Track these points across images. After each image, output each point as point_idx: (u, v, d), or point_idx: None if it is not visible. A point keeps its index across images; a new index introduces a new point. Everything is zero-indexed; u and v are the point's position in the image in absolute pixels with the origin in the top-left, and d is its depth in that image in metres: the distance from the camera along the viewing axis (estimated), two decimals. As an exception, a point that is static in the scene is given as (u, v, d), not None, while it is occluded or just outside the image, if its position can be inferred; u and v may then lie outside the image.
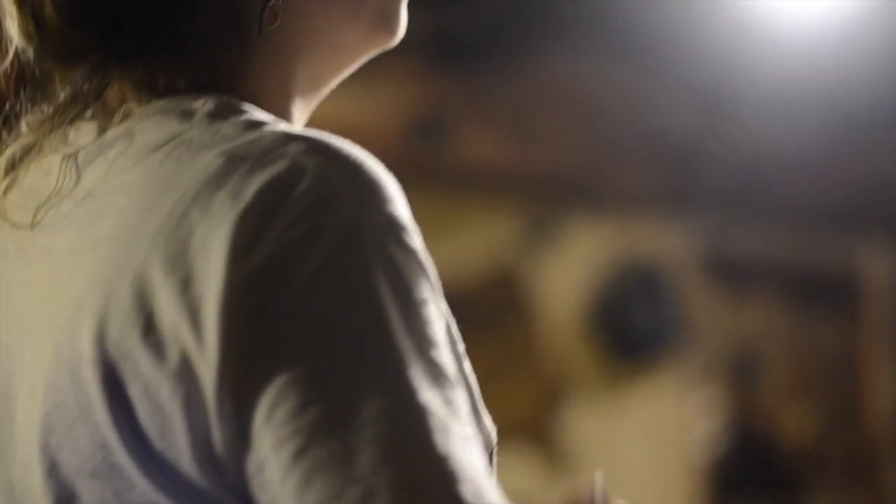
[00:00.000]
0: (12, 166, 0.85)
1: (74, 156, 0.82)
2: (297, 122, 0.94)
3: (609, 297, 4.33)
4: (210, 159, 0.75)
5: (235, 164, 0.74)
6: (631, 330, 4.35)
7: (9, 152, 0.86)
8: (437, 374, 0.72)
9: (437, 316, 0.77)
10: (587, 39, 3.73)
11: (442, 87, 3.82)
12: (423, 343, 0.73)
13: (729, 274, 4.48)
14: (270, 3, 0.87)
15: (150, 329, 0.73)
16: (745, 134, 4.20)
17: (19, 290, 0.83)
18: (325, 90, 0.97)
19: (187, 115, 0.80)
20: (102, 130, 0.83)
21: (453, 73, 3.80)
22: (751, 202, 4.36)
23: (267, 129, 0.77)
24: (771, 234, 4.49)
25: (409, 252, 0.76)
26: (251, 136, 0.76)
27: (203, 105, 0.80)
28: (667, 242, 4.39)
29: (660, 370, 4.35)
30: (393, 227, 0.76)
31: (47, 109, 0.86)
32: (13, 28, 0.86)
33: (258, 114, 0.81)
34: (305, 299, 0.71)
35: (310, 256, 0.72)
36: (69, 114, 0.84)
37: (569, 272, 4.29)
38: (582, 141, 4.04)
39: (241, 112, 0.81)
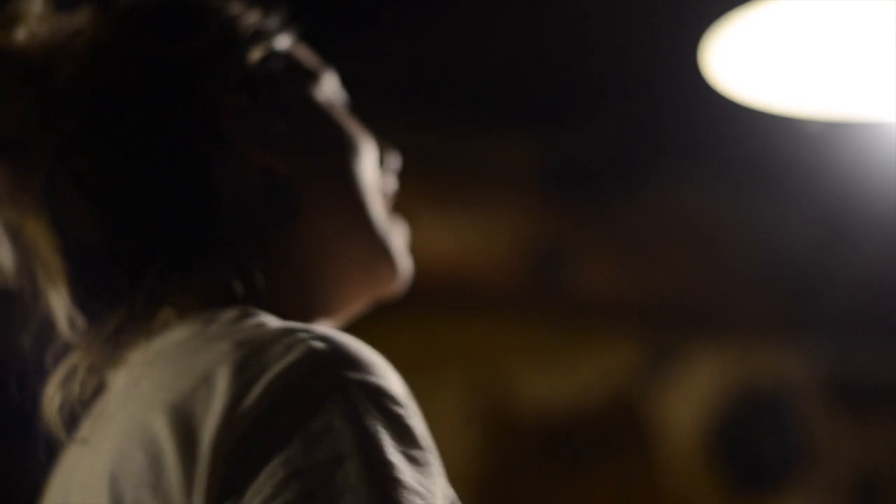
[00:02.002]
0: (67, 381, 0.97)
1: (124, 368, 0.95)
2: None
3: (731, 425, 4.28)
4: (221, 346, 0.86)
5: (240, 348, 0.85)
6: (754, 457, 4.30)
7: (65, 368, 0.97)
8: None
9: (417, 473, 0.81)
10: (702, 167, 3.75)
11: (559, 217, 3.85)
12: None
13: (852, 398, 4.42)
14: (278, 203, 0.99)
15: (158, 484, 0.83)
16: (864, 256, 4.17)
17: (79, 467, 0.96)
18: (343, 312, 1.07)
19: (211, 321, 0.91)
20: (145, 342, 0.94)
21: (569, 203, 3.84)
22: (872, 324, 4.31)
23: (275, 324, 0.88)
24: (894, 356, 4.43)
25: (393, 417, 0.82)
26: (259, 329, 0.87)
27: (225, 314, 0.91)
28: (788, 367, 4.35)
29: (784, 498, 4.28)
30: (378, 395, 0.83)
31: (99, 331, 0.97)
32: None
33: (273, 319, 0.90)
34: (283, 455, 0.79)
35: (295, 415, 0.80)
36: (118, 338, 0.95)
37: (690, 400, 4.26)
38: (700, 267, 4.04)
39: (259, 317, 0.90)
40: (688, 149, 3.59)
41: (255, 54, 1.02)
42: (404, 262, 1.07)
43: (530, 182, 3.76)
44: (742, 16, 2.01)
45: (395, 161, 1.13)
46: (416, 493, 0.79)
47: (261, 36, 1.04)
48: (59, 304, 0.99)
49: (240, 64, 1.01)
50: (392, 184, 1.12)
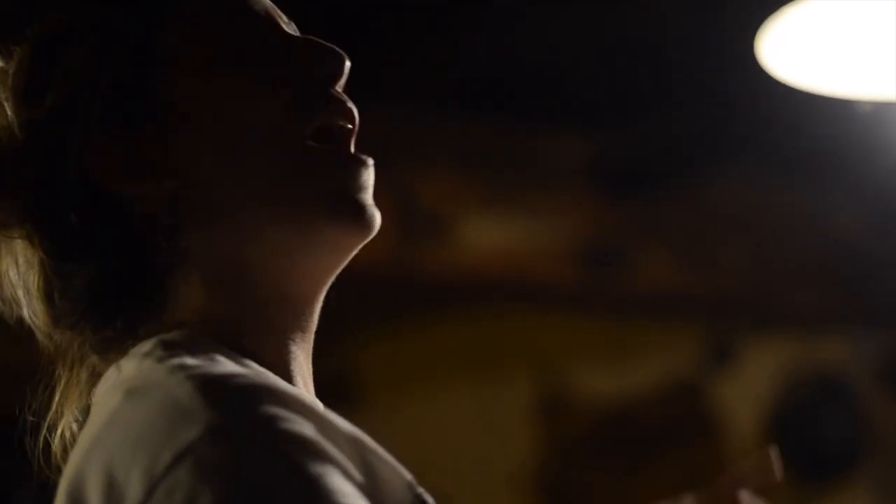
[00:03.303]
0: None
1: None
2: (291, 338, 0.96)
3: (791, 416, 4.29)
4: (116, 398, 0.85)
5: (128, 399, 0.84)
6: (815, 447, 4.30)
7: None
8: None
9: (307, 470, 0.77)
10: (756, 159, 3.76)
11: (615, 213, 3.87)
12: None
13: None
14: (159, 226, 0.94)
15: None
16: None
17: None
18: (306, 303, 0.97)
19: (129, 357, 0.90)
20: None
21: (625, 199, 3.86)
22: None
23: (169, 363, 0.84)
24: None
25: (283, 440, 0.77)
26: (149, 372, 0.85)
27: (141, 348, 0.89)
28: (846, 358, 4.35)
29: (844, 486, 4.28)
30: (258, 426, 0.78)
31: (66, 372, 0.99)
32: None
33: (185, 349, 0.86)
34: None
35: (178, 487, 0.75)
36: (82, 375, 0.98)
37: (750, 392, 4.28)
38: (756, 258, 4.05)
39: (169, 349, 0.87)
40: (742, 141, 3.61)
41: (102, 83, 0.95)
42: (347, 207, 0.95)
43: (586, 179, 3.78)
44: (794, 6, 2.06)
45: (332, 68, 0.97)
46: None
47: (108, 56, 0.95)
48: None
49: (90, 103, 0.95)
50: (328, 110, 0.97)
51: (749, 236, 4.01)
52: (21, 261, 0.99)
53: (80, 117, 0.94)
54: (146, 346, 0.89)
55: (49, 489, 0.92)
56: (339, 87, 0.98)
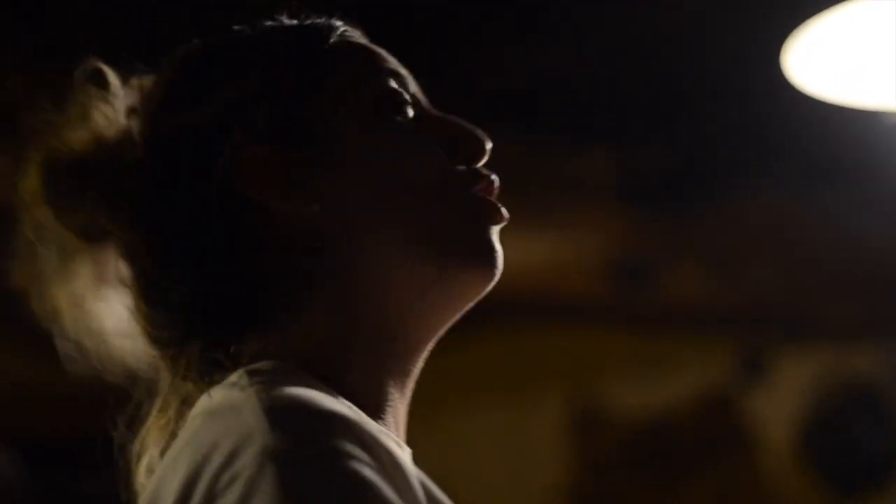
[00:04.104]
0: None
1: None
2: (392, 381, 0.97)
3: (826, 427, 4.28)
4: (197, 422, 0.86)
5: (206, 421, 0.85)
6: (851, 459, 4.28)
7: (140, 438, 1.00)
8: None
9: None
10: (785, 173, 3.76)
11: (645, 227, 3.88)
12: None
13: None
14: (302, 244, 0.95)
15: None
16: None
17: None
18: (417, 348, 0.99)
19: (226, 385, 0.89)
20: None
21: (655, 213, 3.86)
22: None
23: (250, 389, 0.85)
24: None
25: (339, 475, 0.77)
26: (232, 398, 0.85)
27: (235, 376, 0.89)
28: (879, 369, 4.34)
29: (882, 498, 4.26)
30: (317, 457, 0.78)
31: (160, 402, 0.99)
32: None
33: (272, 377, 0.87)
34: None
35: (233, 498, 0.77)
36: (177, 396, 0.98)
37: (782, 406, 4.26)
38: (788, 270, 4.04)
39: (262, 377, 0.87)
40: (770, 152, 3.61)
41: (269, 100, 0.98)
42: (481, 258, 0.98)
43: (616, 194, 3.79)
44: (820, 19, 2.07)
45: (477, 148, 1.04)
46: None
47: (278, 80, 0.99)
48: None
49: (256, 115, 0.97)
50: (475, 174, 1.03)
51: (779, 249, 4.01)
52: (93, 283, 1.00)
53: (242, 124, 0.97)
54: (237, 374, 0.89)
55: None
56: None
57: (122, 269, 1.00)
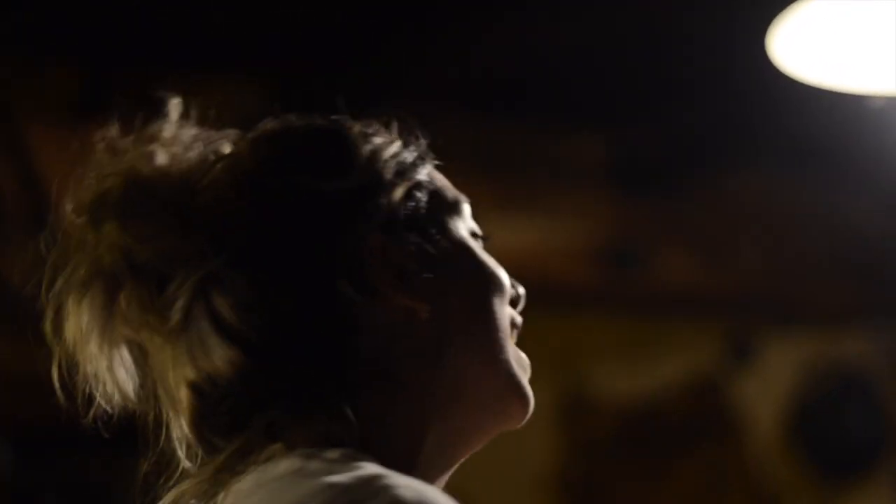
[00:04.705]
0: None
1: (227, 497, 0.94)
2: (436, 476, 1.00)
3: (814, 412, 4.29)
4: (310, 484, 0.86)
5: (331, 489, 0.84)
6: (838, 444, 4.30)
7: (175, 494, 0.97)
8: None
9: None
10: (773, 156, 3.76)
11: (633, 211, 3.88)
12: None
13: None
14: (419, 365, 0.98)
15: None
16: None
17: None
18: (455, 459, 1.03)
19: (312, 457, 0.89)
20: (251, 474, 0.93)
21: (643, 197, 3.86)
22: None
23: (367, 470, 0.86)
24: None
25: None
26: (349, 472, 0.86)
27: (329, 453, 0.89)
28: (867, 353, 4.35)
29: (867, 483, 4.28)
30: None
31: (213, 462, 0.96)
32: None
33: (374, 466, 0.88)
34: None
35: None
36: (233, 468, 0.94)
37: (771, 391, 4.27)
38: (776, 255, 4.05)
39: (359, 461, 0.88)
40: (758, 137, 3.62)
41: (399, 192, 1.00)
42: (531, 399, 1.05)
43: (604, 178, 3.79)
44: (805, 2, 2.07)
45: (519, 292, 1.09)
46: None
47: (404, 171, 1.02)
48: (179, 433, 0.98)
49: (385, 204, 0.99)
50: (518, 317, 1.09)
51: (768, 233, 4.02)
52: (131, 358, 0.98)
53: (375, 210, 0.98)
54: (330, 453, 0.89)
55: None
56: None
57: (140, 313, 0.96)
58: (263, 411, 0.93)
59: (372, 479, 0.84)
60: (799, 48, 2.15)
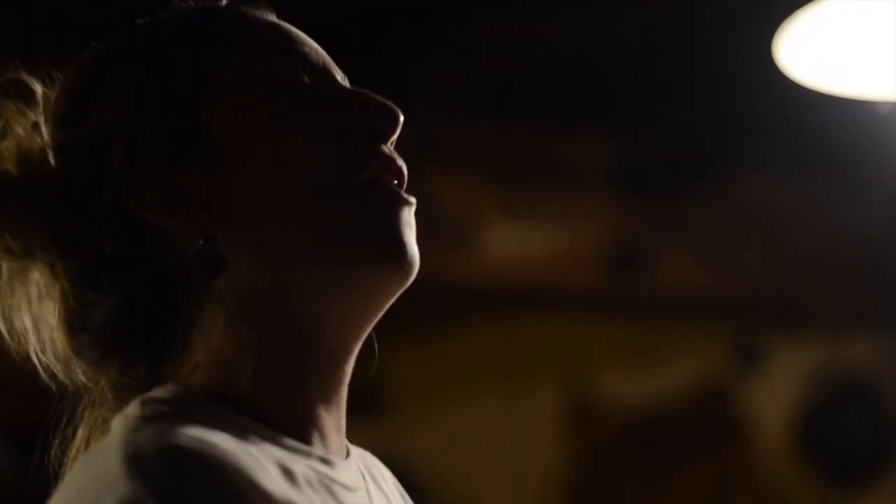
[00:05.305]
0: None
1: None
2: (314, 394, 0.93)
3: (820, 416, 4.29)
4: (77, 461, 0.86)
5: (80, 462, 0.84)
6: (844, 450, 4.29)
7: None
8: None
9: None
10: (779, 161, 3.76)
11: (638, 215, 3.88)
12: None
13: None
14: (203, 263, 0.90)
15: None
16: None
17: None
18: (337, 355, 0.93)
19: (122, 419, 0.87)
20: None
21: (648, 202, 3.86)
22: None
23: (126, 429, 0.83)
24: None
25: None
26: (106, 439, 0.84)
27: (131, 406, 0.87)
28: (873, 358, 4.34)
29: (874, 488, 4.27)
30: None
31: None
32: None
33: (160, 411, 0.85)
34: None
35: None
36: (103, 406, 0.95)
37: (777, 395, 4.27)
38: (781, 259, 4.05)
39: (152, 407, 0.86)
40: (764, 141, 3.62)
41: (158, 104, 0.93)
42: (387, 255, 0.91)
43: (609, 182, 3.79)
44: (812, 7, 2.07)
45: (381, 123, 0.95)
46: None
47: (160, 84, 0.94)
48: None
49: (133, 132, 0.93)
50: (377, 160, 0.94)
51: (774, 238, 4.01)
52: (35, 294, 0.96)
53: (122, 142, 0.92)
54: (133, 403, 0.87)
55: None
56: (391, 142, 0.96)
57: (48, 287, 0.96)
58: (115, 365, 0.93)
59: (117, 447, 0.81)
60: (805, 53, 2.15)
